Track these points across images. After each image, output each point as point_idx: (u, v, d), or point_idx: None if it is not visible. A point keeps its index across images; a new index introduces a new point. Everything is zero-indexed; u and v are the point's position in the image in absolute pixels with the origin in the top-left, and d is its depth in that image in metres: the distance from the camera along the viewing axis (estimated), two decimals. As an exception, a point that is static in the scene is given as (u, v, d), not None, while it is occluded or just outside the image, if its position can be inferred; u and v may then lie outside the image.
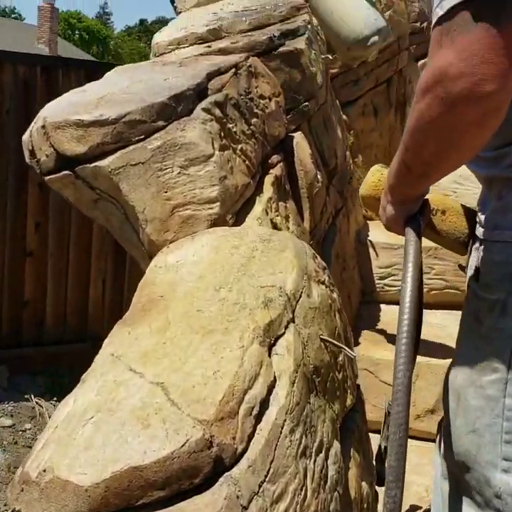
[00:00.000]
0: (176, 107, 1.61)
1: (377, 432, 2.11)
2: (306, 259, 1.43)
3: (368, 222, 2.97)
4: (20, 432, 4.69)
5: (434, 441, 1.36)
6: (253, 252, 1.40)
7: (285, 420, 1.11)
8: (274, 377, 1.15)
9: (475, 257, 1.17)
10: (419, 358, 2.27)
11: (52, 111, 1.59)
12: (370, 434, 1.79)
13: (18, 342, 5.60)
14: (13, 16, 41.92)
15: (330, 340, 1.31)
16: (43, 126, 1.54)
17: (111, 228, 1.66)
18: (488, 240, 1.13)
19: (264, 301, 1.25)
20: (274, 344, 1.21)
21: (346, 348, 1.36)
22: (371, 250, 2.69)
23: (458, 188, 3.34)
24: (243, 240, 1.44)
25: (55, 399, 5.24)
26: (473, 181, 3.35)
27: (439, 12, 0.94)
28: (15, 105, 5.28)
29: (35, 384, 5.35)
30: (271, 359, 1.17)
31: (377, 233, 2.81)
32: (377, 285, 2.69)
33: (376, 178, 1.53)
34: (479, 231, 1.17)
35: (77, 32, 42.97)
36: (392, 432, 1.04)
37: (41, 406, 5.08)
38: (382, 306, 2.66)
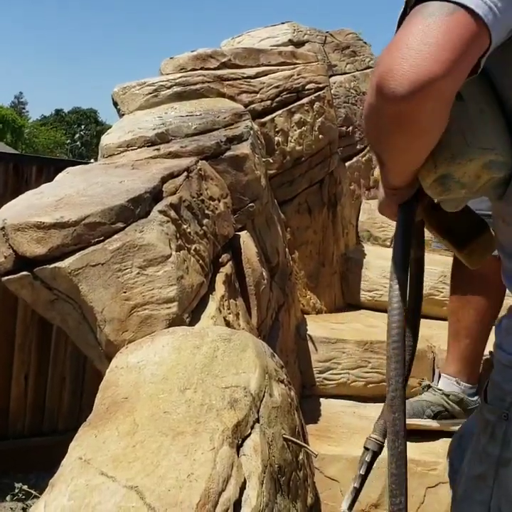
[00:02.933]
0: (134, 210, 1.66)
1: (327, 528, 2.12)
2: (266, 358, 1.48)
3: (306, 316, 3.05)
4: None
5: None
6: (215, 352, 1.43)
7: (257, 522, 1.12)
8: (245, 478, 1.16)
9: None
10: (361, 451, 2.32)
11: (12, 213, 1.61)
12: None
13: None
14: None
15: (293, 439, 1.34)
16: (3, 228, 1.56)
17: (67, 329, 1.66)
18: (495, 357, 1.13)
19: (230, 402, 1.28)
20: (241, 445, 1.23)
21: (308, 446, 1.39)
22: (310, 344, 2.76)
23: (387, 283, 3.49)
24: (204, 339, 1.48)
25: (-26, 501, 4.95)
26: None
27: None
28: None
29: (-46, 485, 5.05)
30: (240, 460, 1.19)
31: (315, 327, 2.89)
32: (317, 379, 2.74)
33: None
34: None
35: (-10, 121, 42.90)
36: (390, 440, 1.04)
37: (-40, 509, 4.79)
38: (322, 399, 2.70)
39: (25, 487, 4.88)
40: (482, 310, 2.29)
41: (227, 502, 1.08)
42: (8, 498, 4.98)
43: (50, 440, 5.35)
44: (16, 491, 5.00)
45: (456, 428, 2.29)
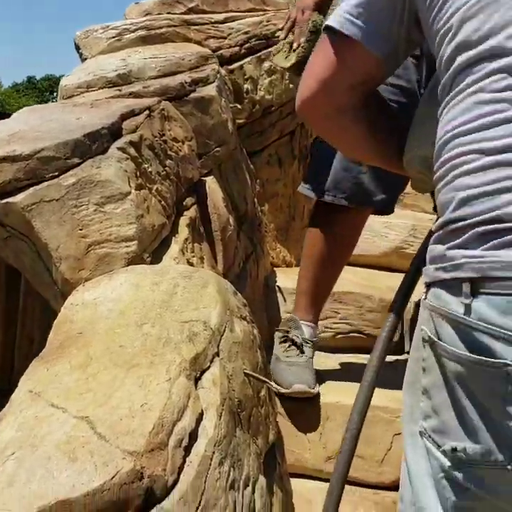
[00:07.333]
0: (91, 145, 1.59)
1: (293, 475, 2.10)
2: (228, 295, 1.43)
3: (275, 269, 3.01)
4: None
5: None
6: (175, 288, 1.39)
7: (214, 452, 1.09)
8: (202, 410, 1.13)
9: None
10: (328, 399, 2.30)
11: (-38, 146, 1.54)
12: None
13: None
14: None
15: (254, 374, 1.31)
16: (-48, 162, 1.49)
17: (22, 268, 1.60)
18: None
19: (189, 336, 1.24)
20: (200, 378, 1.19)
21: (270, 382, 1.36)
22: (279, 296, 2.72)
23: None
24: (164, 276, 1.43)
25: None
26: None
27: None
28: None
29: None
30: (198, 392, 1.16)
31: (285, 279, 2.85)
32: (286, 330, 2.71)
33: None
34: None
35: (-39, 86, 42.03)
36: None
37: None
38: (291, 350, 2.67)
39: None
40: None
41: (182, 431, 1.05)
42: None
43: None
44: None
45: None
